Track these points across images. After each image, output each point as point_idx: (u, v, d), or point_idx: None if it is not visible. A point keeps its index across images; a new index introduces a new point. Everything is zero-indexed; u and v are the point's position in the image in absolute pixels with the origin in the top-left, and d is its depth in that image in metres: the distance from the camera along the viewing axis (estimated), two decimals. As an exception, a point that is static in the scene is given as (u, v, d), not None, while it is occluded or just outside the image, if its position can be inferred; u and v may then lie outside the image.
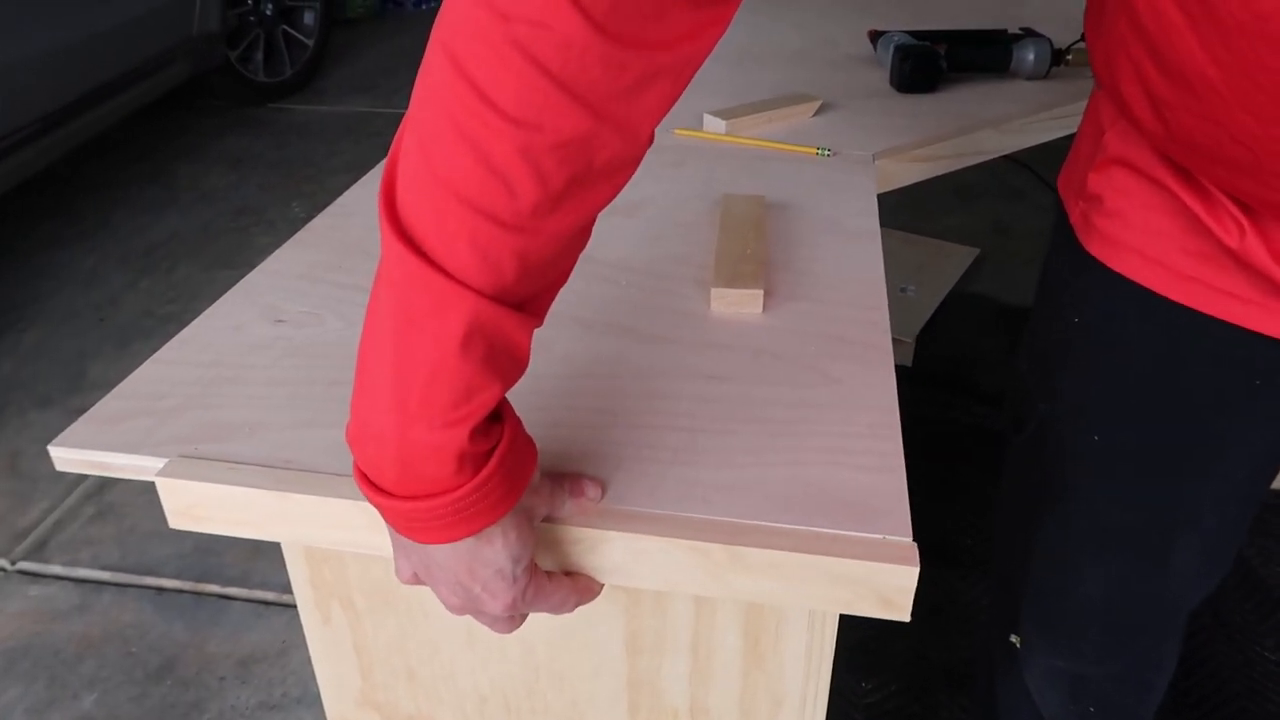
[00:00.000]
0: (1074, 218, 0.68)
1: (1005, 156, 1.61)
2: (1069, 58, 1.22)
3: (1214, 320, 0.60)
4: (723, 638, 0.63)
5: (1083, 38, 1.23)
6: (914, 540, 0.48)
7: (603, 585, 0.53)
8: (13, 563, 1.55)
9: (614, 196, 0.44)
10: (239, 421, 0.58)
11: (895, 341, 2.08)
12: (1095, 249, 0.66)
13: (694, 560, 0.50)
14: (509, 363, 0.43)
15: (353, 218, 0.85)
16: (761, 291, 0.68)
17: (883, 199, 0.90)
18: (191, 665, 1.36)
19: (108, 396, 0.60)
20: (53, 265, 2.56)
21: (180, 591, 1.49)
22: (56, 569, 1.54)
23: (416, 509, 0.43)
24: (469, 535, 0.44)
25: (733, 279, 0.70)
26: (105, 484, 1.72)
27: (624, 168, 0.43)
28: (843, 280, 0.73)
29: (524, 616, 0.51)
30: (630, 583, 0.53)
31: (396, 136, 0.42)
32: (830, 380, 0.61)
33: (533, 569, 0.48)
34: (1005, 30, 1.27)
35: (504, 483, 0.44)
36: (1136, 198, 0.62)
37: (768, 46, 1.37)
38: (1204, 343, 0.62)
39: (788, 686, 0.65)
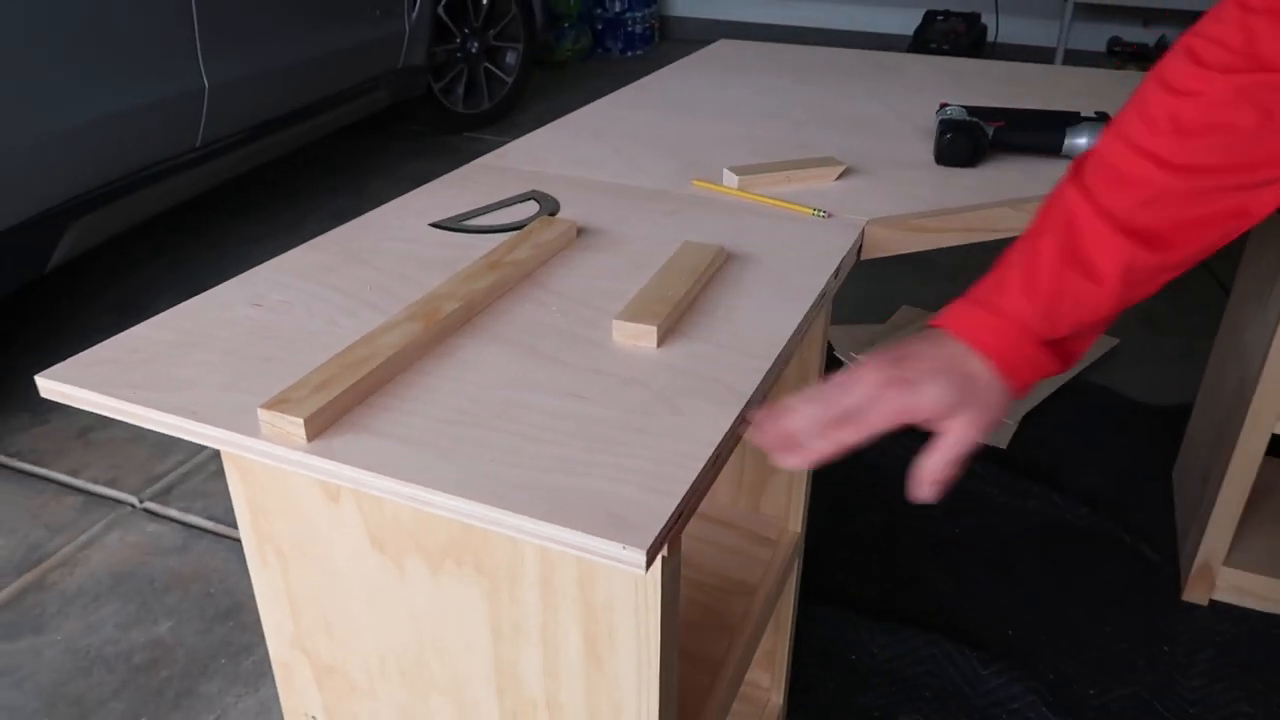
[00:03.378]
0: None
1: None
2: (1129, 144, 1.19)
3: None
4: (565, 633, 0.69)
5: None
6: (651, 551, 0.53)
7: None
8: (140, 501, 1.80)
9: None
10: (179, 376, 0.70)
11: (992, 421, 2.01)
12: None
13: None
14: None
15: (368, 231, 0.98)
16: (655, 328, 0.74)
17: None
18: (254, 612, 1.54)
19: (97, 346, 0.74)
20: (248, 260, 2.92)
21: (263, 549, 1.68)
22: (173, 512, 1.77)
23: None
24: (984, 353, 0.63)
25: (634, 314, 0.76)
26: (230, 447, 1.96)
27: None
28: (752, 330, 0.78)
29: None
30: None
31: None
32: (675, 413, 0.66)
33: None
34: (1077, 113, 1.25)
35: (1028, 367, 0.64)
36: None
37: (841, 112, 1.42)
38: None
39: (624, 694, 0.70)
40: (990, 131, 1.20)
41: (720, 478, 1.19)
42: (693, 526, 1.16)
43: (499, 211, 1.03)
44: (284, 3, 2.78)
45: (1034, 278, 0.62)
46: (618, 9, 5.43)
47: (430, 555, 0.72)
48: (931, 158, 1.21)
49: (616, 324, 0.76)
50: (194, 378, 0.70)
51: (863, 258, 1.03)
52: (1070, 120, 1.22)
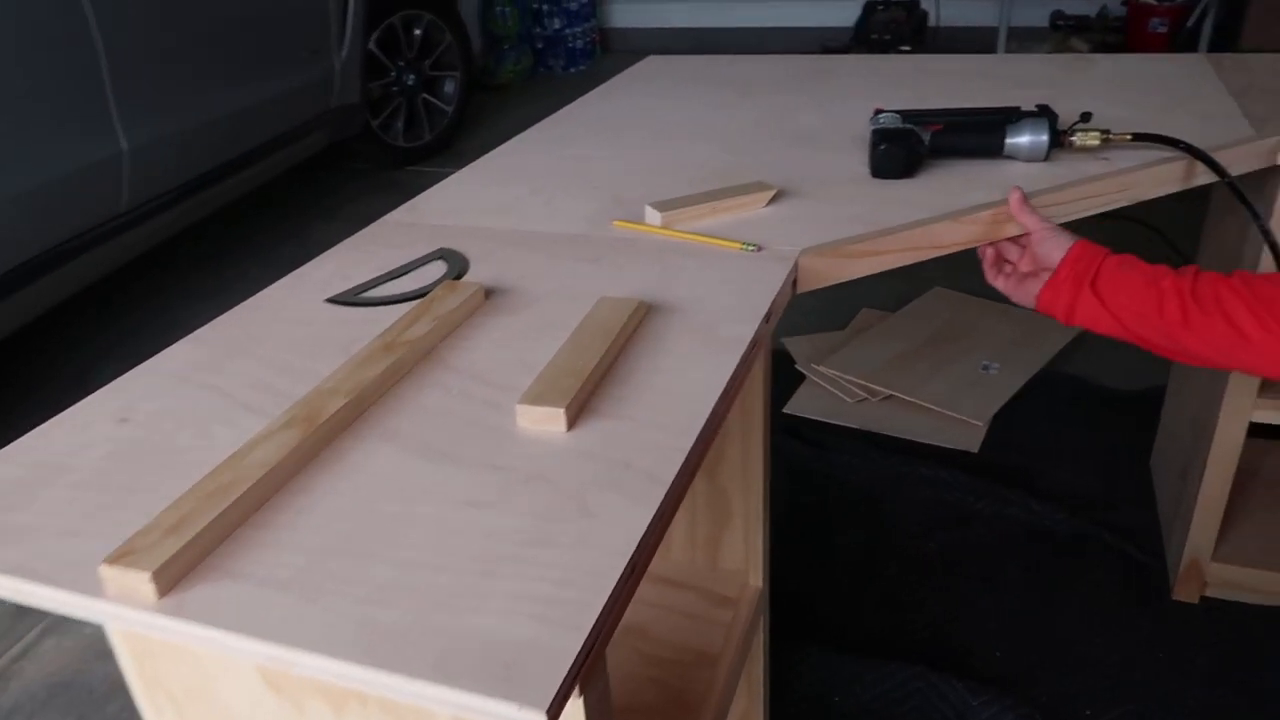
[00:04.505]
0: None
1: (1137, 221, 1.49)
2: (1073, 139, 1.12)
3: None
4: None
5: (1085, 116, 1.14)
6: (552, 709, 0.45)
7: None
8: (79, 598, 1.69)
9: None
10: (19, 524, 0.62)
11: (964, 424, 1.95)
12: None
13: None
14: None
15: (257, 314, 0.89)
16: (563, 410, 0.66)
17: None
18: (204, 712, 1.44)
19: (-65, 491, 0.65)
20: (193, 319, 2.80)
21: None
22: (114, 607, 1.67)
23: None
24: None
25: (539, 395, 0.68)
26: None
27: None
28: (673, 399, 0.70)
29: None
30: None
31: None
32: (585, 514, 0.59)
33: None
34: (1018, 108, 1.19)
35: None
36: None
37: (773, 127, 1.34)
38: None
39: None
40: (927, 137, 1.14)
41: (673, 534, 1.11)
42: (646, 591, 1.08)
43: (405, 277, 0.95)
44: (203, 54, 2.69)
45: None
46: (557, 26, 5.35)
47: (331, 697, 0.63)
48: (867, 169, 1.14)
49: (520, 408, 0.68)
50: (36, 524, 0.62)
51: (799, 291, 0.95)
52: (1010, 117, 1.16)
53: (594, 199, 1.12)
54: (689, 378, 0.73)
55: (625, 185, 1.16)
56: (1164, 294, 0.90)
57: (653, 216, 1.02)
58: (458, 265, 0.96)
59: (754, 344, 0.79)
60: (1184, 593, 1.51)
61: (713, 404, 0.69)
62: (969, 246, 1.04)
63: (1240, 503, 1.55)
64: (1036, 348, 2.23)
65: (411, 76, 3.86)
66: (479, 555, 0.56)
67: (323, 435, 0.67)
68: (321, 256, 1.01)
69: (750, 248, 0.95)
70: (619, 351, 0.77)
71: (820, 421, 2.03)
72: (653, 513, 0.58)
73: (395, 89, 3.81)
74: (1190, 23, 4.33)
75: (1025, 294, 1.02)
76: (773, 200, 1.07)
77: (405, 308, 0.87)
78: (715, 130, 1.35)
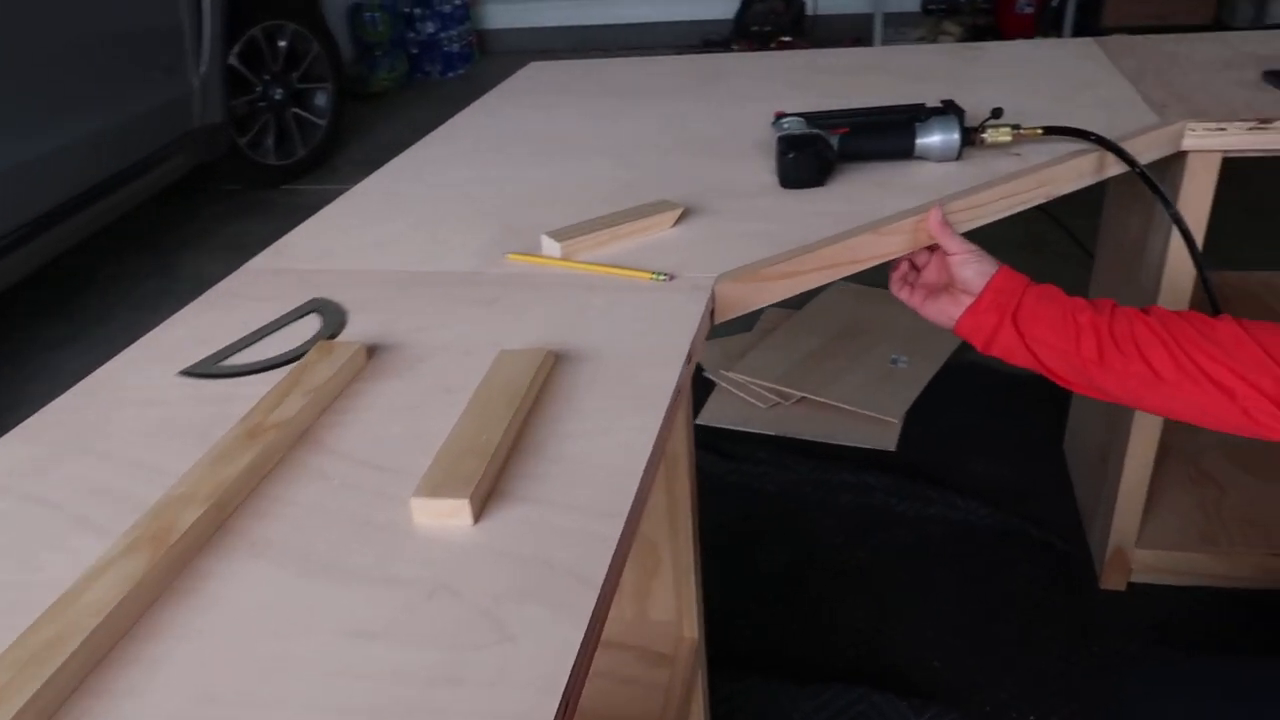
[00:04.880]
0: None
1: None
2: (984, 136, 1.08)
3: None
4: None
5: (996, 113, 1.10)
6: None
7: None
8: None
9: None
10: None
11: (879, 423, 1.92)
12: None
13: None
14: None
15: (98, 395, 0.76)
16: (466, 501, 0.57)
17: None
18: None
19: None
20: (48, 369, 2.57)
21: None
22: None
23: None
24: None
25: (437, 485, 0.58)
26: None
27: None
28: (591, 469, 0.61)
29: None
30: None
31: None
32: (503, 638, 0.49)
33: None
34: (923, 105, 1.13)
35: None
36: None
37: (670, 136, 1.26)
38: None
39: None
40: (835, 142, 1.07)
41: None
42: (576, 658, 0.98)
43: (272, 337, 0.83)
44: (42, 79, 2.46)
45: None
46: (430, 30, 5.17)
47: None
48: (775, 179, 1.07)
49: (416, 503, 0.58)
50: None
51: (717, 321, 0.87)
52: (918, 115, 1.10)
53: (483, 229, 1.02)
54: (609, 441, 0.64)
55: (516, 211, 1.06)
56: (1081, 329, 0.87)
57: (550, 247, 0.93)
58: (334, 320, 0.84)
59: (678, 391, 0.71)
60: (1111, 581, 1.50)
61: (640, 474, 0.60)
62: (890, 258, 0.98)
63: (1158, 484, 1.55)
64: (942, 337, 2.22)
65: (279, 90, 3.65)
66: (376, 706, 0.46)
67: (176, 556, 0.55)
68: (173, 318, 0.89)
69: (661, 277, 0.86)
70: (525, 416, 0.67)
71: (733, 430, 1.97)
72: (584, 627, 0.49)
73: (262, 104, 3.59)
74: (1055, 2, 4.45)
75: (937, 311, 0.97)
76: (679, 220, 0.99)
77: (274, 376, 0.75)
78: (608, 143, 1.26)
